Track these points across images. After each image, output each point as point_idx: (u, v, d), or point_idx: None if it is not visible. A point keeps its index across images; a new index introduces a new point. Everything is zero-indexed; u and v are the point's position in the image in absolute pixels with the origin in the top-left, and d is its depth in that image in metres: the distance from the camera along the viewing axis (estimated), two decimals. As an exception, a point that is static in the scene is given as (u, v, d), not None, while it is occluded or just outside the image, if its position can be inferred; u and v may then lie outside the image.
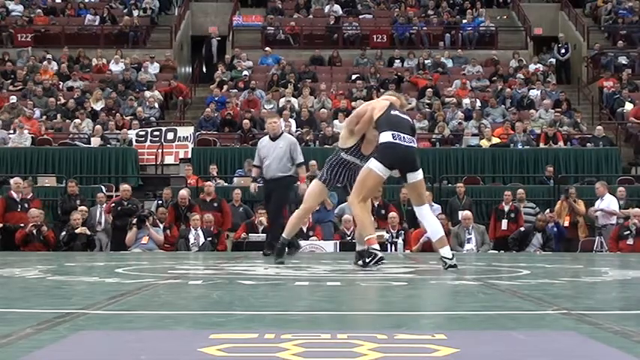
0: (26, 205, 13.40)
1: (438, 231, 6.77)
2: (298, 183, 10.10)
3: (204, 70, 24.51)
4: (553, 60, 24.11)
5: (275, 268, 6.88)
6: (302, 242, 12.54)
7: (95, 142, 17.57)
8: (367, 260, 6.64)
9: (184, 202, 13.56)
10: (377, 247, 6.70)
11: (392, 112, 6.74)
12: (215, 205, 13.71)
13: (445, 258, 6.67)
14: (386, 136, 6.56)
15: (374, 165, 6.59)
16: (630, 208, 13.70)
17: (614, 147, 18.01)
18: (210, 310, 3.67)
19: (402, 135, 6.60)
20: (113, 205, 13.80)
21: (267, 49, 23.59)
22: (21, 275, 5.90)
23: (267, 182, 10.14)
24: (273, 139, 10.10)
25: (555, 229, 13.50)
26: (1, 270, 6.60)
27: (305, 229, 12.93)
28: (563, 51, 24.57)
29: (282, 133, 10.45)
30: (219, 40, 24.65)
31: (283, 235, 7.61)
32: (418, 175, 6.70)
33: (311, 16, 26.55)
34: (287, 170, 9.98)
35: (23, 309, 3.57)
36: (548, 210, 13.99)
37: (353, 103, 19.62)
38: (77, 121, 18.70)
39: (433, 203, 14.43)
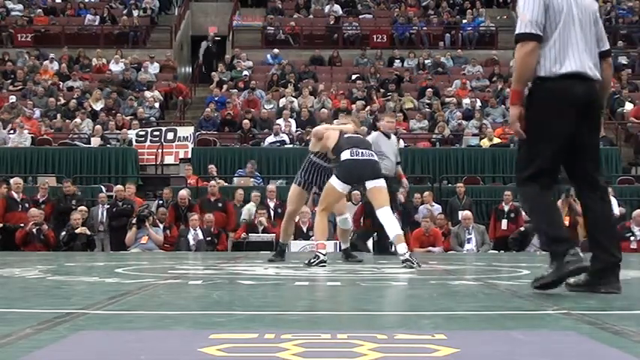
0: (27, 205, 13.41)
1: (394, 230, 7.21)
2: (403, 180, 10.93)
3: (203, 70, 24.48)
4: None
5: (275, 268, 6.89)
6: (302, 242, 12.58)
7: (95, 142, 17.57)
8: (311, 261, 7.12)
9: (184, 202, 13.57)
10: (323, 251, 7.23)
11: (345, 137, 7.42)
12: (219, 205, 13.73)
13: (400, 254, 7.09)
14: (345, 155, 7.23)
15: (334, 181, 7.28)
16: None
17: (614, 147, 18.01)
18: (210, 310, 3.66)
19: (360, 150, 7.30)
20: (108, 206, 13.81)
21: (275, 50, 23.58)
22: (21, 275, 5.90)
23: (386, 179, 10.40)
24: (388, 136, 10.50)
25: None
26: (1, 270, 6.60)
27: (305, 229, 12.95)
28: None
29: (394, 132, 10.98)
30: (210, 44, 24.56)
31: (280, 240, 8.44)
32: (378, 182, 7.27)
33: (311, 16, 26.55)
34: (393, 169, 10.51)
35: (23, 309, 3.57)
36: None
37: (353, 105, 19.65)
38: (77, 121, 18.70)
39: (433, 203, 14.47)
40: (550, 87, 4.21)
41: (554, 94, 4.20)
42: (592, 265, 4.30)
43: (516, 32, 4.27)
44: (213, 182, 14.51)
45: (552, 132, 4.19)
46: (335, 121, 7.92)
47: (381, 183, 7.29)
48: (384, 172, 10.25)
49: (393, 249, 7.98)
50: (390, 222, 7.27)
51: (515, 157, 4.52)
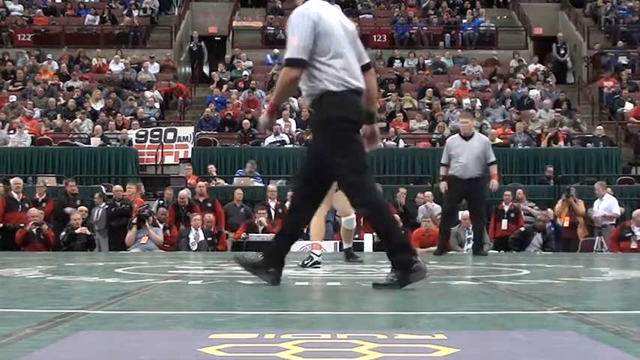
0: (27, 205, 13.41)
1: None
2: (493, 180, 10.60)
3: (204, 70, 24.51)
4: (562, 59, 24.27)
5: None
6: (302, 242, 12.57)
7: (95, 142, 17.57)
8: (306, 262, 7.05)
9: (184, 202, 13.57)
10: (318, 252, 7.16)
11: None
12: (209, 205, 13.72)
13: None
14: None
15: None
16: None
17: (614, 147, 18.02)
18: (210, 310, 3.66)
19: None
20: (107, 206, 13.81)
21: (275, 50, 23.57)
22: (21, 275, 5.90)
23: (460, 182, 10.32)
24: (466, 138, 10.40)
25: (552, 227, 13.52)
26: (1, 270, 6.60)
27: (305, 229, 12.93)
28: (562, 52, 24.59)
29: (474, 132, 10.78)
30: (195, 47, 24.52)
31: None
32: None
33: (311, 16, 26.52)
34: (482, 170, 10.38)
35: (23, 309, 3.57)
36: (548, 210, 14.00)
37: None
38: (77, 121, 18.70)
39: (433, 203, 14.46)
40: (342, 100, 4.50)
41: (346, 106, 4.50)
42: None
43: (286, 56, 4.58)
44: (200, 183, 14.49)
45: (352, 138, 4.54)
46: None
47: None
48: (453, 172, 10.31)
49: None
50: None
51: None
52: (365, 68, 4.72)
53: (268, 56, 23.64)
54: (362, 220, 13.83)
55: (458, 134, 10.70)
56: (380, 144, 4.76)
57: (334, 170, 4.58)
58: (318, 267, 6.99)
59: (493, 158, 10.50)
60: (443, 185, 10.79)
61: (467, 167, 10.23)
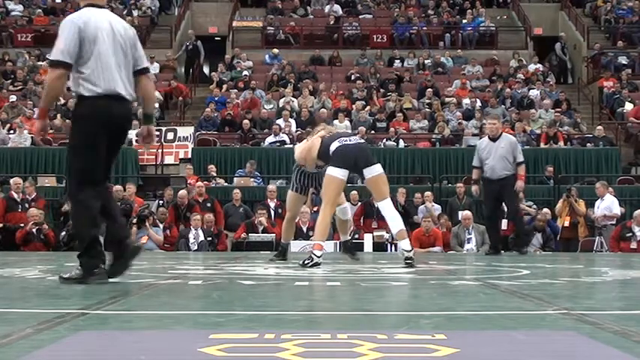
0: (27, 205, 13.41)
1: (398, 225, 7.19)
2: (518, 181, 10.69)
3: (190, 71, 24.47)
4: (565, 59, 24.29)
5: (275, 268, 6.89)
6: (302, 242, 12.57)
7: (95, 142, 17.55)
8: (306, 262, 6.99)
9: (184, 202, 13.57)
10: (319, 253, 7.06)
11: (326, 137, 7.35)
12: (208, 205, 13.72)
13: (404, 250, 7.07)
14: (334, 145, 7.14)
15: (331, 171, 7.11)
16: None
17: (614, 147, 18.02)
18: (210, 310, 3.67)
19: (347, 137, 7.30)
20: None
21: (275, 50, 23.58)
22: (21, 275, 5.90)
23: (491, 182, 10.62)
24: (493, 139, 10.65)
25: (549, 227, 13.55)
26: (1, 270, 6.60)
27: (305, 229, 12.96)
28: (564, 51, 24.63)
29: (502, 133, 10.95)
30: (190, 45, 24.50)
31: (282, 241, 8.42)
32: (375, 170, 7.15)
33: (311, 16, 26.55)
34: (511, 169, 10.57)
35: (23, 309, 3.57)
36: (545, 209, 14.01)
37: (353, 105, 19.66)
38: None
39: (433, 203, 14.48)
40: (92, 104, 4.87)
41: (95, 111, 4.87)
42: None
43: (50, 58, 5.04)
44: (199, 183, 14.49)
45: (96, 143, 4.87)
46: (308, 137, 7.88)
47: (377, 170, 7.14)
48: (485, 174, 10.61)
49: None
50: (391, 216, 7.17)
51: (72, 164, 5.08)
52: (141, 72, 5.11)
53: (267, 56, 23.63)
54: (362, 220, 13.90)
55: (487, 137, 10.96)
56: (154, 142, 5.41)
57: (70, 160, 5.09)
58: (318, 267, 6.98)
59: (521, 159, 10.72)
60: (474, 188, 11.14)
61: (494, 168, 10.55)
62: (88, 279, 4.81)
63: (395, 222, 7.17)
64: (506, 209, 11.46)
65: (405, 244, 7.06)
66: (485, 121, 11.66)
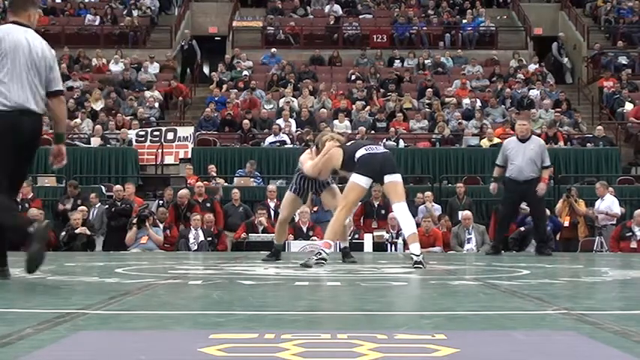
0: (26, 205, 13.40)
1: (411, 228, 7.17)
2: (540, 184, 10.51)
3: (187, 71, 24.45)
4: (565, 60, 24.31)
5: (275, 268, 6.89)
6: (302, 242, 12.58)
7: (95, 142, 17.56)
8: (314, 257, 7.04)
9: (183, 202, 13.57)
10: (328, 250, 7.13)
11: (347, 144, 7.41)
12: (208, 205, 13.72)
13: (413, 254, 7.02)
14: (360, 152, 7.15)
15: (356, 178, 7.11)
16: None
17: (614, 147, 18.02)
18: (210, 310, 3.67)
19: (374, 146, 7.37)
20: (107, 206, 13.80)
21: (273, 50, 23.58)
22: (21, 275, 5.90)
23: (517, 184, 10.49)
24: (522, 140, 10.53)
25: (551, 222, 13.52)
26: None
27: (305, 229, 12.96)
28: (561, 52, 24.62)
29: (531, 135, 10.89)
30: (185, 45, 24.49)
31: (274, 241, 8.41)
32: (396, 177, 7.19)
33: (311, 16, 26.55)
34: (537, 171, 10.45)
35: (23, 309, 3.57)
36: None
37: (353, 105, 19.65)
38: (77, 121, 18.69)
39: (433, 203, 14.47)
40: (1, 118, 5.01)
41: (3, 123, 5.00)
42: None
43: None
44: (199, 183, 14.48)
45: (4, 149, 5.02)
46: (312, 148, 7.87)
47: (397, 178, 7.18)
48: (509, 174, 10.54)
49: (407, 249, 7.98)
50: (405, 219, 7.18)
51: None
52: (54, 95, 5.27)
53: (265, 56, 23.62)
54: (362, 220, 13.90)
55: (515, 137, 10.84)
56: (65, 161, 5.46)
57: None
58: (323, 264, 6.97)
59: (548, 162, 10.60)
60: (492, 186, 11.05)
61: (522, 170, 10.41)
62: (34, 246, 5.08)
63: (408, 225, 7.18)
64: (529, 211, 11.42)
65: (414, 247, 7.03)
66: (515, 120, 11.52)
